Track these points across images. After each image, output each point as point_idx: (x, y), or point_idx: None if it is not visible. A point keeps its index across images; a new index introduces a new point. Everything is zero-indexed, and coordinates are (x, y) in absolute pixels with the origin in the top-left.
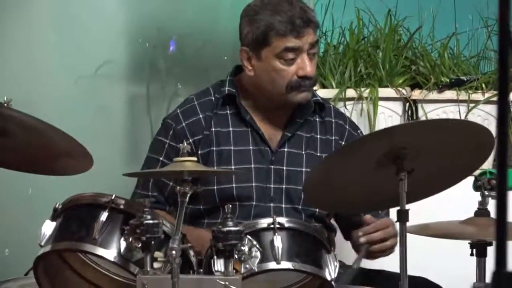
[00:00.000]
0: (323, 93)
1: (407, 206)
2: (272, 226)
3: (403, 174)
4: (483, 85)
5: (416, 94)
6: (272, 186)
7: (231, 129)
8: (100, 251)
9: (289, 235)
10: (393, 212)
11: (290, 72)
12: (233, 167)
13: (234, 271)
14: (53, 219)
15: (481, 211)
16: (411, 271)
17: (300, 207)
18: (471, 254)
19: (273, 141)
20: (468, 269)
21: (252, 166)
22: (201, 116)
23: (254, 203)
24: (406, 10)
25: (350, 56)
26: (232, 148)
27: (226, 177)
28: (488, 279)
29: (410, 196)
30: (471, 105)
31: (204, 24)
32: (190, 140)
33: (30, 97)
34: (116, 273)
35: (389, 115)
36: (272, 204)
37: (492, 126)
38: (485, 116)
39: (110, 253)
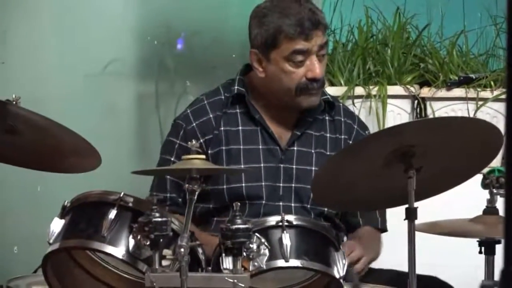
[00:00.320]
0: (331, 91)
1: (416, 204)
2: (280, 224)
3: (411, 172)
4: (492, 83)
5: (425, 92)
6: (281, 185)
7: (240, 128)
8: (109, 249)
9: (298, 233)
10: (401, 210)
11: (299, 74)
12: (242, 166)
13: (243, 269)
14: (61, 216)
15: (490, 209)
16: (420, 269)
17: (309, 206)
18: (480, 252)
19: (283, 140)
20: (477, 267)
21: (262, 165)
22: (211, 115)
23: (263, 202)
24: (415, 7)
25: (358, 54)
26: (241, 147)
27: (235, 176)
28: (496, 277)
29: (419, 194)
30: (480, 102)
31: (213, 22)
32: (201, 140)
33: (38, 95)
34: (124, 270)
35: (397, 113)
36: (281, 203)
37: (500, 124)
38: (494, 113)
39: (118, 251)
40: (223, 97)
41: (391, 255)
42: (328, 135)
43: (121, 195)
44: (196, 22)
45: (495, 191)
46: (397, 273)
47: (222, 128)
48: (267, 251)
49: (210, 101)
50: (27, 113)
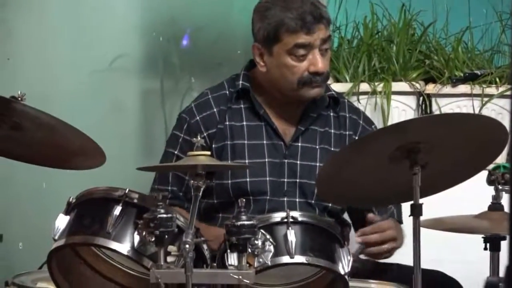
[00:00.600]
0: (337, 87)
1: (421, 201)
2: (285, 220)
3: (416, 168)
4: (497, 79)
5: (430, 88)
6: (286, 180)
7: (245, 123)
8: (114, 245)
9: (303, 229)
10: (406, 207)
11: (301, 68)
12: (247, 161)
13: (248, 265)
14: (66, 213)
15: (495, 205)
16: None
17: (313, 201)
18: (485, 249)
19: (287, 136)
20: (482, 263)
21: (266, 160)
22: (215, 110)
23: (268, 197)
24: (420, 4)
25: (364, 50)
26: (246, 142)
27: (240, 171)
28: (502, 273)
29: (424, 190)
30: (485, 99)
31: (218, 17)
32: (204, 134)
33: (44, 91)
34: (129, 267)
35: (402, 109)
36: (286, 199)
37: (506, 120)
38: (499, 110)
39: (123, 247)
40: (227, 92)
41: (397, 251)
42: (332, 131)
43: (126, 191)
44: (201, 18)
45: (500, 187)
46: (403, 267)
47: (226, 123)
48: (272, 248)
49: (214, 96)
50: (32, 110)
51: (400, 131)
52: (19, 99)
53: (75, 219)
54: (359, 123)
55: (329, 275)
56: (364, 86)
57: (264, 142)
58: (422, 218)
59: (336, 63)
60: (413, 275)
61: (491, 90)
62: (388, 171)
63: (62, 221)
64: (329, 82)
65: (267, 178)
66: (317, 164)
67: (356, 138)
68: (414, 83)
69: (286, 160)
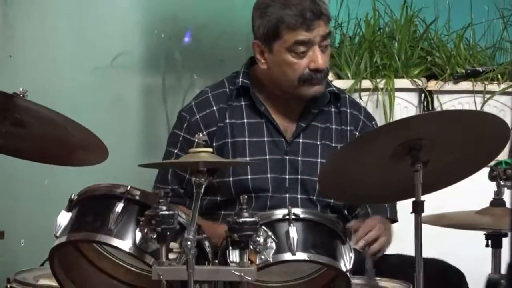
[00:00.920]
0: (338, 84)
1: (423, 197)
2: (287, 217)
3: (418, 165)
4: (499, 76)
5: (432, 85)
6: (287, 176)
7: (245, 120)
8: (116, 242)
9: (305, 226)
10: (408, 203)
11: (301, 65)
12: (248, 158)
13: (249, 262)
14: (68, 209)
15: (497, 201)
16: None
17: (315, 197)
18: (487, 245)
19: (288, 132)
20: (484, 260)
21: (267, 157)
22: (215, 108)
23: (269, 194)
24: (422, 1)
25: (365, 47)
26: (247, 139)
27: (241, 168)
28: (503, 270)
29: (426, 187)
30: (487, 96)
31: (220, 14)
32: (204, 132)
33: (46, 88)
34: (131, 263)
35: (404, 106)
36: (287, 195)
37: (507, 117)
38: (501, 107)
39: (125, 244)
40: (227, 90)
41: (398, 247)
42: (333, 126)
43: (128, 188)
44: (203, 16)
45: (502, 183)
46: (402, 257)
47: (227, 121)
48: (274, 244)
49: (214, 94)
50: (34, 106)
51: (402, 128)
52: (21, 95)
53: (77, 216)
54: (360, 118)
55: (331, 272)
56: (366, 83)
57: (265, 139)
58: (423, 214)
59: (338, 60)
60: (415, 273)
61: (493, 87)
62: (390, 168)
63: (64, 218)
64: (330, 78)
65: (269, 175)
66: (319, 160)
67: (357, 133)
68: (416, 79)
69: (287, 157)
